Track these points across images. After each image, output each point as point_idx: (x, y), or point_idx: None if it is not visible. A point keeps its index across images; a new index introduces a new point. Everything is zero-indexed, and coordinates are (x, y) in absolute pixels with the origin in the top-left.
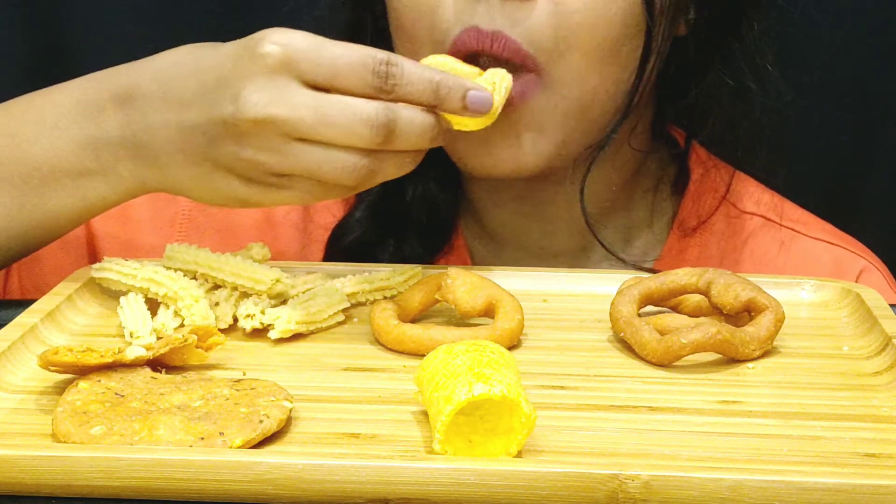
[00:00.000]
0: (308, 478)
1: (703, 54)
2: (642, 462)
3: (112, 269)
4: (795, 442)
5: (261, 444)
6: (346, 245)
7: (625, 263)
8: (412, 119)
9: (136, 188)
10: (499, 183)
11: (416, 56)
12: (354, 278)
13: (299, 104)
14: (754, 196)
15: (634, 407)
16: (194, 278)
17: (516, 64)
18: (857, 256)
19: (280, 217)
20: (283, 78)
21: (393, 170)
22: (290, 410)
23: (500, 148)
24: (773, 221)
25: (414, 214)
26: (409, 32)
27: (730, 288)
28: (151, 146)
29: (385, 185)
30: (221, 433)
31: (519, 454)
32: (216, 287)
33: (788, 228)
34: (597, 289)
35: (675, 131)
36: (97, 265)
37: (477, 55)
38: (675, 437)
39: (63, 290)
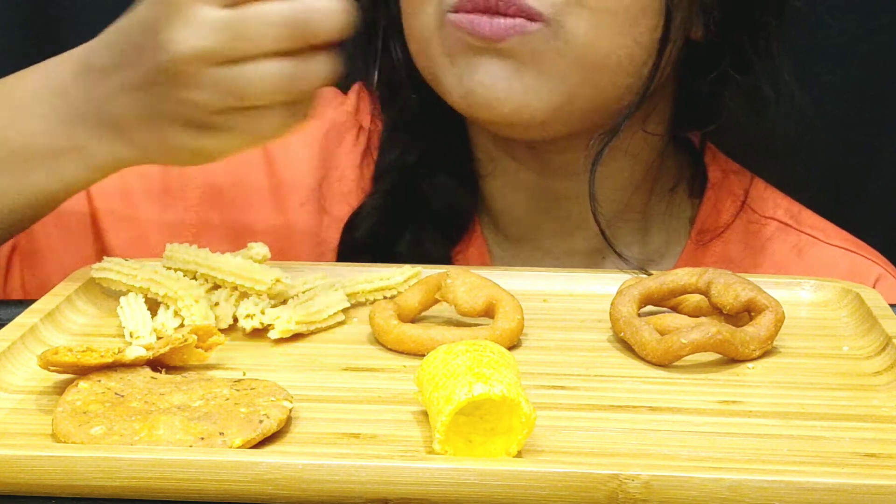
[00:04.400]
0: (308, 478)
1: (720, 61)
2: (642, 462)
3: (112, 269)
4: (795, 442)
5: (261, 444)
6: (360, 235)
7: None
8: (323, 7)
9: (110, 164)
10: (515, 177)
11: (421, 11)
12: (354, 278)
13: (216, 27)
14: (773, 201)
15: (634, 407)
16: (194, 278)
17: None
18: (873, 263)
19: (293, 208)
20: (199, 7)
21: (320, 71)
22: (290, 410)
23: (503, 85)
24: (790, 227)
25: (430, 205)
26: None
27: (730, 288)
28: (114, 115)
29: (399, 174)
30: (221, 433)
31: (519, 454)
32: (216, 287)
33: (806, 234)
34: (597, 289)
35: (693, 135)
36: (97, 265)
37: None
38: (675, 437)
39: (63, 290)
